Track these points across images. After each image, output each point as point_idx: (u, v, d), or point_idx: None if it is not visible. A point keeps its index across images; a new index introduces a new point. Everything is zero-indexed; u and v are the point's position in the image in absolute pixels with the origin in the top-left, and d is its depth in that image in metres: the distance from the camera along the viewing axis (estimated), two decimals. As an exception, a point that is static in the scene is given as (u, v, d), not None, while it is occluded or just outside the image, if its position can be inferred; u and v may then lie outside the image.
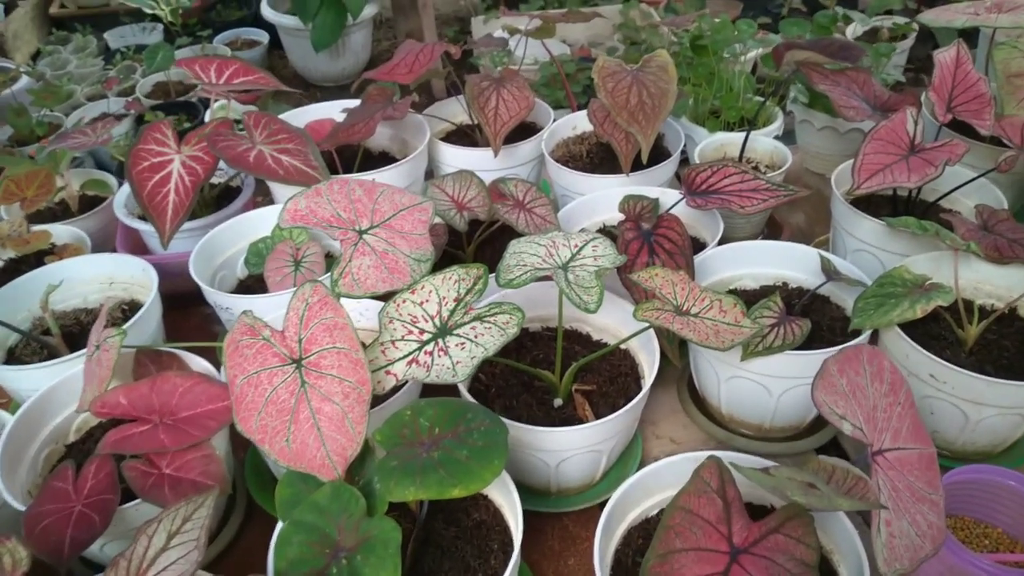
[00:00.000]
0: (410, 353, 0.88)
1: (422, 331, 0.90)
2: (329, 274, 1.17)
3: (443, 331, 0.90)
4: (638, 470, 1.09)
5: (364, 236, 0.94)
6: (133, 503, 0.91)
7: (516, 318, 0.90)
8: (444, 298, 0.91)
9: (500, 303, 0.91)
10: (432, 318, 0.90)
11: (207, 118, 2.12)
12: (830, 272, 1.11)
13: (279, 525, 0.85)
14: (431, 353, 0.88)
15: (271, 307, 1.13)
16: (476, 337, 0.88)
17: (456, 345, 0.88)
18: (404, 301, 0.90)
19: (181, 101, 2.43)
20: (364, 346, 0.85)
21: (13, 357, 1.22)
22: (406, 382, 0.91)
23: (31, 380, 1.11)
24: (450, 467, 0.79)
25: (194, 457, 0.93)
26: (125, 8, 3.00)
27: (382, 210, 0.97)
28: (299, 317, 0.83)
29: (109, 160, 2.10)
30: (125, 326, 1.09)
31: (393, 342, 0.89)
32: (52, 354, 1.19)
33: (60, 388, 1.06)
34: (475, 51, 2.07)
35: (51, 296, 1.17)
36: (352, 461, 0.83)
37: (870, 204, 1.32)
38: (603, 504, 1.07)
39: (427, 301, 0.91)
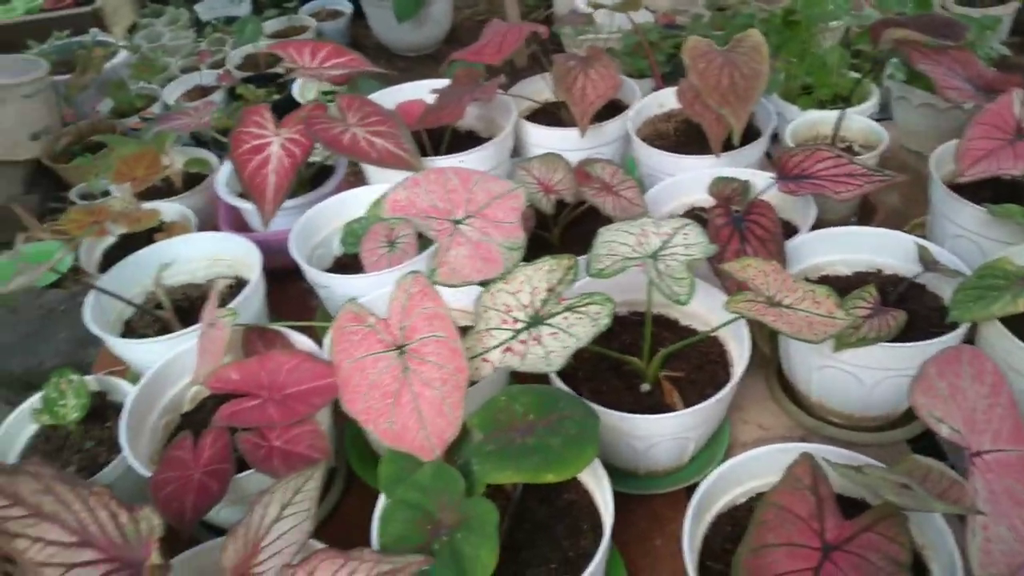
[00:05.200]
0: (504, 341, 0.91)
1: (516, 320, 0.92)
2: (424, 256, 1.21)
3: (536, 320, 0.92)
4: (726, 455, 1.12)
5: (459, 226, 0.97)
6: (246, 473, 0.97)
7: (607, 308, 0.92)
8: (536, 288, 0.94)
9: (591, 294, 0.93)
10: (525, 307, 0.93)
11: (295, 91, 2.19)
12: (927, 262, 1.09)
13: (381, 501, 0.90)
14: (525, 342, 0.91)
15: (368, 286, 1.17)
16: (568, 327, 0.91)
17: (549, 335, 0.91)
18: (499, 291, 0.93)
19: (270, 73, 2.50)
20: (462, 333, 0.88)
21: (129, 329, 1.31)
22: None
23: (146, 352, 1.19)
24: (544, 453, 0.82)
25: (301, 431, 0.99)
26: (216, -20, 3.07)
27: (476, 199, 1.00)
28: (401, 306, 0.87)
29: (205, 133, 2.18)
30: (233, 304, 1.15)
31: (489, 330, 0.92)
32: (164, 327, 1.27)
33: (175, 361, 1.13)
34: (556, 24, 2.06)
35: (162, 273, 1.25)
36: (450, 443, 0.87)
37: (971, 187, 1.28)
38: (690, 487, 1.10)
39: (520, 291, 0.94)
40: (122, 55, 2.59)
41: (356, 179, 1.57)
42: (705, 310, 1.13)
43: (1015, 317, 1.00)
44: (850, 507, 0.89)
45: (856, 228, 1.20)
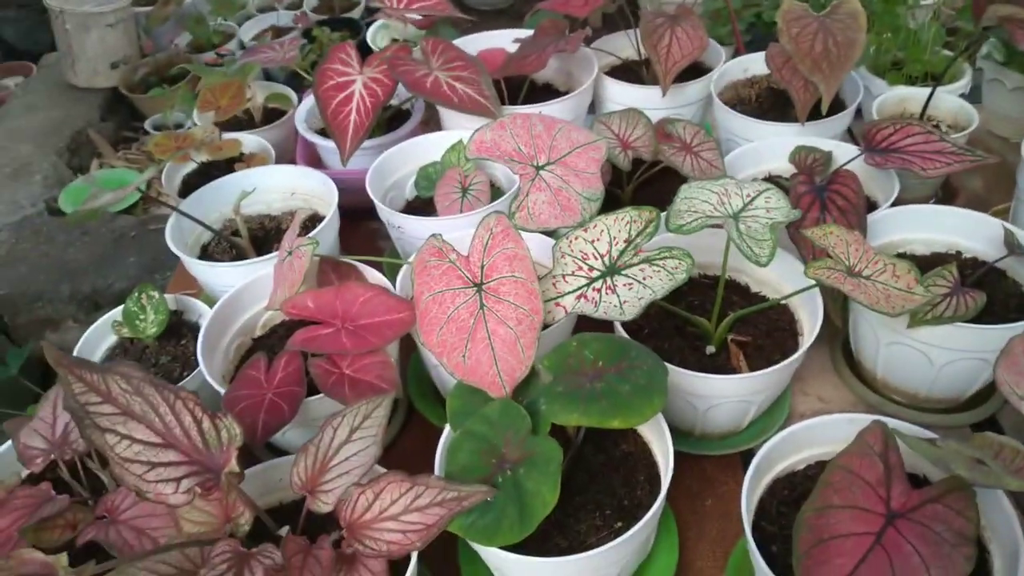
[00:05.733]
0: (579, 288, 0.92)
1: (591, 268, 0.93)
2: (496, 204, 1.22)
3: (612, 270, 0.93)
4: (783, 424, 1.12)
5: (541, 172, 0.97)
6: (316, 397, 1.00)
7: (685, 264, 0.92)
8: (615, 238, 0.94)
9: (671, 248, 0.93)
10: (602, 256, 0.93)
11: (369, 36, 2.20)
12: (1013, 246, 1.06)
13: (447, 432, 0.92)
14: (599, 290, 0.92)
15: (440, 229, 1.18)
16: (644, 279, 0.91)
17: (624, 285, 0.92)
18: (576, 238, 0.94)
19: (345, 18, 2.51)
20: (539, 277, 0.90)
21: (206, 253, 1.35)
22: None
23: (222, 275, 1.23)
24: (612, 399, 0.83)
25: (371, 361, 1.01)
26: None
27: (559, 147, 1.00)
28: (483, 245, 0.88)
29: (275, 71, 2.21)
30: (311, 234, 1.18)
31: (564, 276, 0.93)
32: (239, 254, 1.31)
33: (251, 286, 1.16)
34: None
35: (241, 201, 1.28)
36: (519, 382, 0.88)
37: (1062, 176, 1.24)
38: (744, 452, 1.10)
39: (598, 240, 0.94)
40: (203, -10, 2.63)
41: (427, 126, 1.58)
42: (777, 277, 1.12)
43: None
44: (912, 483, 0.88)
45: (940, 207, 1.17)
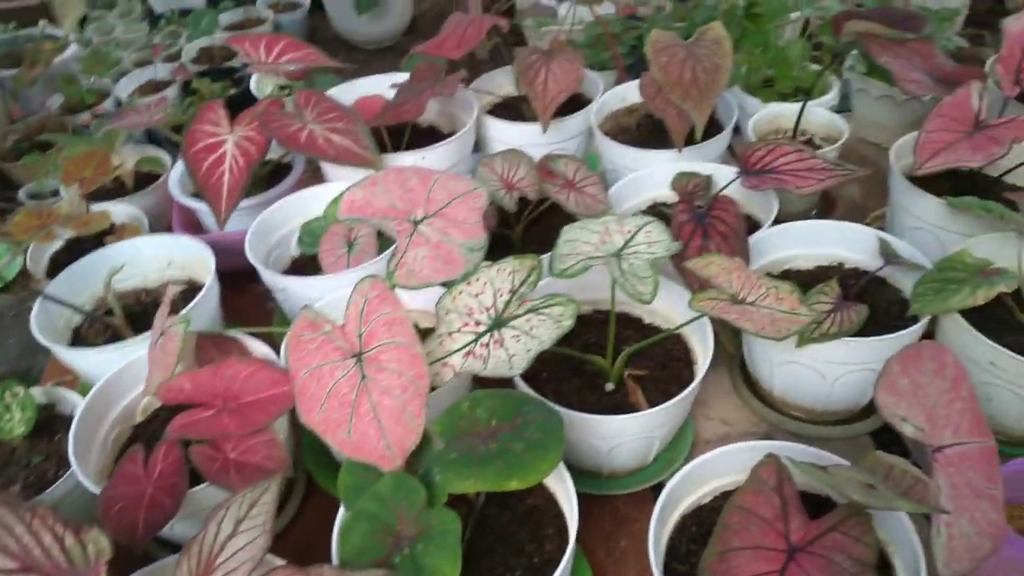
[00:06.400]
0: (467, 345, 0.89)
1: (478, 323, 0.90)
2: (385, 256, 1.19)
3: (498, 323, 0.90)
4: (690, 452, 1.11)
5: (419, 226, 0.94)
6: (201, 487, 0.94)
7: (570, 310, 0.90)
8: (499, 290, 0.92)
9: (554, 295, 0.91)
10: (488, 310, 0.91)
11: (253, 85, 2.14)
12: (889, 256, 1.09)
13: (341, 513, 0.87)
14: (487, 345, 0.89)
15: (327, 288, 1.15)
16: (531, 329, 0.89)
17: (512, 337, 0.89)
18: (460, 293, 0.91)
19: (227, 67, 2.44)
20: (422, 336, 0.86)
21: (79, 337, 1.26)
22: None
23: (96, 361, 1.15)
24: (507, 459, 0.80)
25: (257, 442, 0.96)
26: (168, -29, 2.99)
27: (437, 198, 0.98)
28: (359, 312, 0.85)
29: (157, 130, 2.12)
30: (185, 311, 1.12)
31: (450, 334, 0.90)
32: (115, 334, 1.23)
33: (127, 371, 1.09)
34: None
35: (113, 278, 1.21)
36: (411, 452, 0.85)
37: (930, 179, 1.28)
38: (654, 486, 1.09)
39: (482, 293, 0.92)
40: (72, 48, 2.51)
41: (313, 177, 1.53)
42: (668, 308, 1.12)
43: (974, 309, 1.00)
44: (816, 503, 0.89)
45: (818, 222, 1.20)
